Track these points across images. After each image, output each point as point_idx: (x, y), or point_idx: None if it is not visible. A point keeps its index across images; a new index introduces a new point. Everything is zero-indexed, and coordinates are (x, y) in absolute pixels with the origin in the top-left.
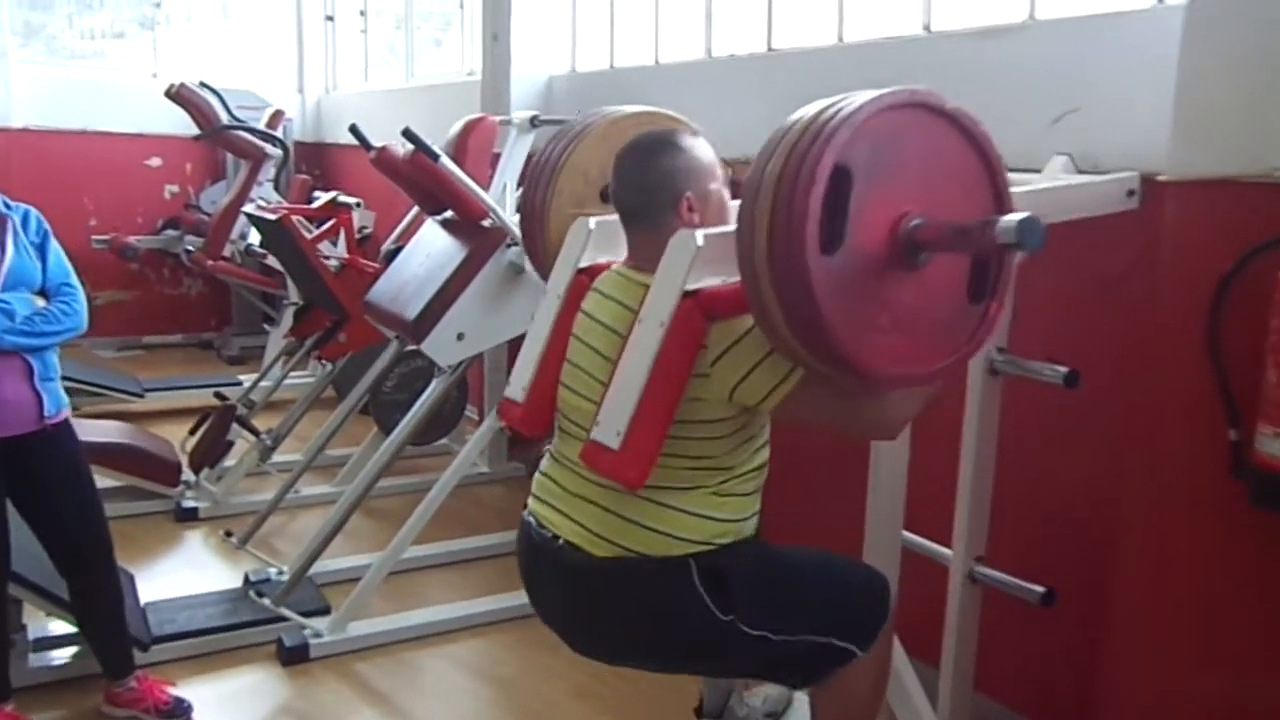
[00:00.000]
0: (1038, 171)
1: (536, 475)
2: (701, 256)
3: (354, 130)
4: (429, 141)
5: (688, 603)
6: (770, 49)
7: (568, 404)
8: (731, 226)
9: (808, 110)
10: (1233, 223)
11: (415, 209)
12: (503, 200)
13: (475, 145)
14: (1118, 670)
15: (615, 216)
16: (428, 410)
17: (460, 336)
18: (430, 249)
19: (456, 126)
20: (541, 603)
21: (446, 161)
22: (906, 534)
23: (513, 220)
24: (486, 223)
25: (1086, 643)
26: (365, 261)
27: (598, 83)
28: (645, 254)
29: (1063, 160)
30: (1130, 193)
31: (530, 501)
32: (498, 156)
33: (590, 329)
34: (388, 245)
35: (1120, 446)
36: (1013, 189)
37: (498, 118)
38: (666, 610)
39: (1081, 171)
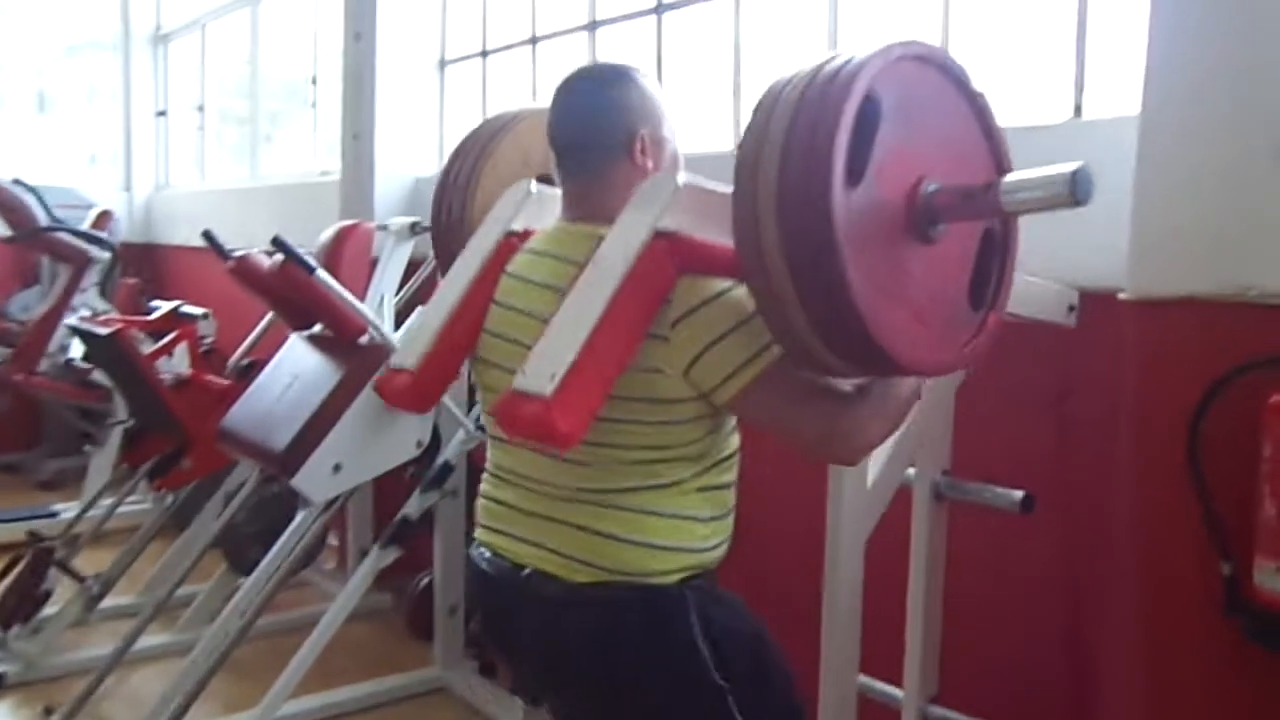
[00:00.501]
0: None
1: (479, 501)
2: (679, 202)
3: (208, 237)
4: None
5: (681, 647)
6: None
7: (495, 387)
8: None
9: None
10: (1205, 344)
11: (268, 318)
12: (381, 314)
13: (350, 254)
14: None
15: (557, 192)
16: (299, 554)
17: (337, 468)
18: (298, 369)
19: (328, 233)
20: (509, 645)
21: (323, 274)
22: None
23: (394, 336)
24: (365, 339)
25: None
26: (211, 378)
27: None
28: (588, 203)
29: None
30: (1070, 309)
31: (479, 532)
32: (373, 264)
33: (520, 291)
34: (237, 359)
35: (1080, 577)
36: None
37: (373, 224)
38: (658, 653)
39: None
